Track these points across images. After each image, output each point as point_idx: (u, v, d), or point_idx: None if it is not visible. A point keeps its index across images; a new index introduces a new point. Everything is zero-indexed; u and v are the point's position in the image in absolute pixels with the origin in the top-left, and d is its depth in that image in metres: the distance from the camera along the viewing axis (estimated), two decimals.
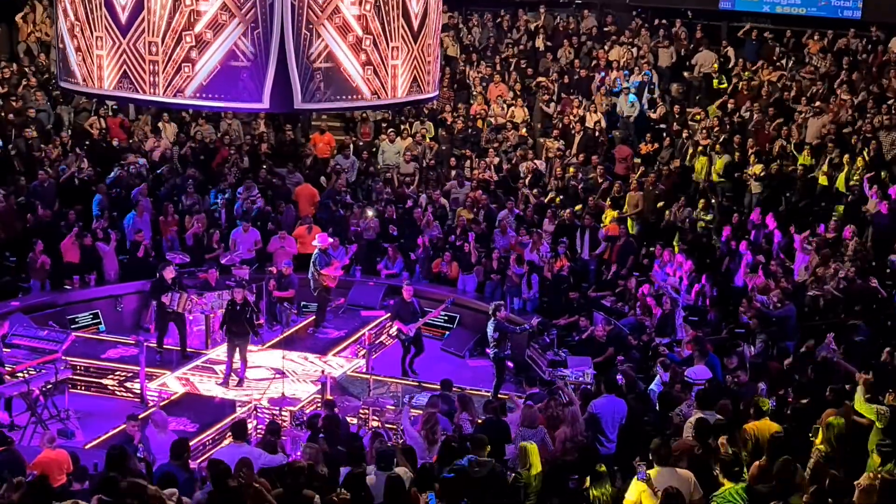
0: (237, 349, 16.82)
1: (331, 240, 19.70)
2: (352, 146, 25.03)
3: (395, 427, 14.95)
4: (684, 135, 23.88)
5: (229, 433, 13.23)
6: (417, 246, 21.14)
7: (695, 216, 20.67)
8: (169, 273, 18.09)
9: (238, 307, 16.76)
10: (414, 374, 18.13)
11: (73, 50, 14.74)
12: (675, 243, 20.00)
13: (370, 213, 21.88)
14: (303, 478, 9.88)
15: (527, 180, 23.46)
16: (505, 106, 26.02)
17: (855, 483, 8.95)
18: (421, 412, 13.59)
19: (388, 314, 19.08)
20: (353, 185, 23.67)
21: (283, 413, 15.81)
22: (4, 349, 16.19)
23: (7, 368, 16.00)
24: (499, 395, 16.49)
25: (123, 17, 14.07)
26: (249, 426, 15.72)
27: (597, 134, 24.86)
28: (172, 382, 16.94)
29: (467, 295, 20.20)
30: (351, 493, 9.55)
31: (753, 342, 15.94)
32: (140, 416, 14.06)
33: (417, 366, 18.40)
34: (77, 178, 22.31)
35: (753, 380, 13.80)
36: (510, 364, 17.74)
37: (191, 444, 13.71)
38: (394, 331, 18.68)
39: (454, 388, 15.02)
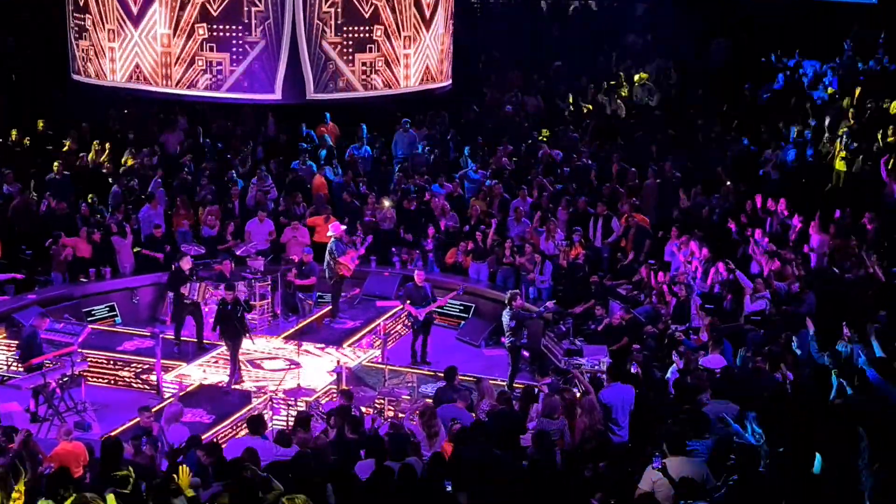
0: (230, 350, 16.57)
1: (344, 227, 19.71)
2: (365, 136, 24.99)
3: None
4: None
5: (245, 425, 13.24)
6: (427, 236, 21.11)
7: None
8: (186, 263, 18.11)
9: (229, 307, 16.47)
10: (426, 363, 18.13)
11: (85, 43, 14.77)
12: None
13: (386, 203, 21.85)
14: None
15: (542, 168, 23.40)
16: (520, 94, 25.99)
17: None
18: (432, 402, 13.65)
19: (400, 298, 19.01)
20: (367, 175, 23.64)
21: (299, 404, 15.82)
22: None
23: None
24: (513, 385, 16.50)
25: (135, 9, 14.11)
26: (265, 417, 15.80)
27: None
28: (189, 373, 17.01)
29: (481, 284, 20.15)
30: (378, 486, 9.58)
31: (767, 330, 15.81)
32: (154, 409, 14.12)
33: (433, 356, 18.40)
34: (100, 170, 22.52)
35: (771, 369, 13.69)
36: (525, 353, 17.70)
37: (207, 435, 13.85)
38: (404, 314, 18.64)
39: (467, 377, 15.01)
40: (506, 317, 17.04)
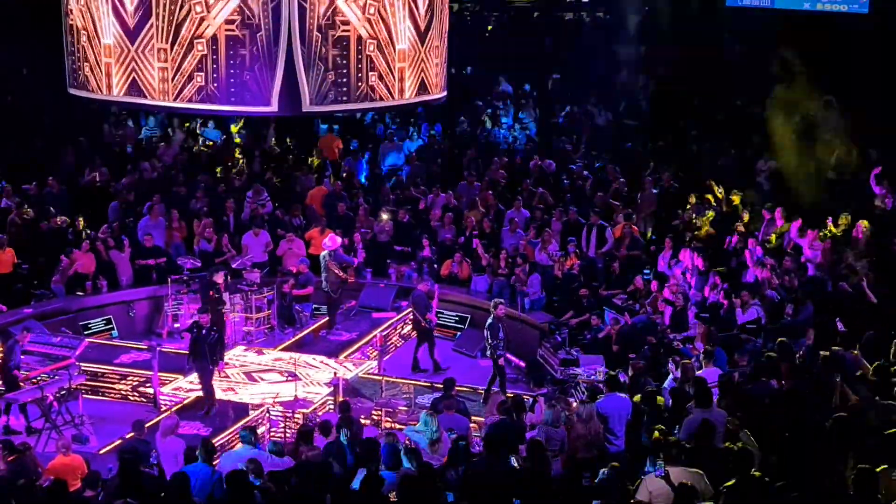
0: (203, 374, 16.15)
1: (340, 240, 19.78)
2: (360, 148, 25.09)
3: (404, 428, 14.97)
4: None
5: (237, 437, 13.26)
6: (423, 247, 21.18)
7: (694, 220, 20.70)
8: (219, 278, 18.15)
9: (203, 331, 16.02)
10: (442, 370, 18.34)
11: (82, 57, 14.82)
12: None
13: (384, 216, 21.92)
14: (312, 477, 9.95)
15: (535, 179, 23.52)
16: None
17: None
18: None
19: (417, 309, 18.80)
20: (362, 188, 23.70)
21: (297, 416, 15.85)
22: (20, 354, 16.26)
23: (22, 374, 16.12)
24: (506, 393, 16.60)
25: (131, 24, 14.16)
26: (261, 430, 15.82)
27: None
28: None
29: (479, 296, 20.20)
30: (367, 493, 9.61)
31: (764, 338, 15.88)
32: (148, 424, 14.14)
33: (427, 366, 18.62)
34: (98, 184, 22.58)
35: (766, 377, 13.73)
36: (522, 363, 17.75)
37: None
38: (424, 323, 18.66)
39: (463, 388, 15.08)
40: (486, 332, 17.16)
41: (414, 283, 20.66)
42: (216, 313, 17.78)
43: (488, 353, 17.18)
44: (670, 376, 14.42)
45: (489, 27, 30.67)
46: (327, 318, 19.66)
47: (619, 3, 28.93)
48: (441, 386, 14.99)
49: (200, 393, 16.44)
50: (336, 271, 19.20)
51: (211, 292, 18.01)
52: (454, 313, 20.09)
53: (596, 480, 10.17)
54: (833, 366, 12.69)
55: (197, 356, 16.10)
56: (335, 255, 19.32)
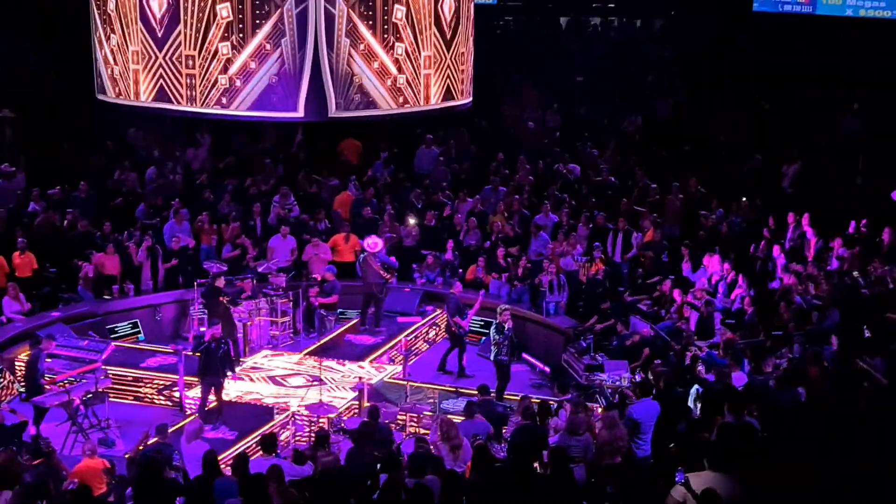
0: (212, 388, 16.05)
1: (381, 242, 19.91)
2: (387, 152, 25.08)
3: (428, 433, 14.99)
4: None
5: (258, 446, 13.25)
6: (446, 250, 21.23)
7: None
8: (220, 282, 18.24)
9: (213, 344, 15.97)
10: (467, 377, 18.35)
11: (110, 63, 14.92)
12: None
13: (411, 220, 21.97)
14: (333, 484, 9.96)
15: (560, 184, 23.49)
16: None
17: None
18: (461, 418, 13.68)
19: (448, 313, 19.06)
20: (388, 191, 23.73)
21: (321, 420, 15.87)
22: (46, 359, 16.37)
23: (48, 379, 16.24)
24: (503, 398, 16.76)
25: (159, 31, 14.24)
26: (287, 433, 15.87)
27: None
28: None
29: (501, 300, 20.18)
30: (389, 500, 9.61)
31: (791, 346, 15.79)
32: (172, 427, 14.20)
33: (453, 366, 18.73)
34: (124, 189, 22.75)
35: (792, 384, 13.65)
36: (547, 368, 17.73)
37: (228, 453, 13.93)
38: (454, 328, 18.80)
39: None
40: (492, 330, 17.42)
41: (437, 286, 20.76)
42: (227, 317, 17.88)
43: (491, 357, 17.41)
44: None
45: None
46: (359, 319, 19.98)
47: (646, 7, 28.92)
48: (466, 391, 15.03)
49: (224, 398, 16.48)
50: (380, 272, 19.41)
51: (221, 298, 18.04)
52: (479, 318, 20.08)
53: None
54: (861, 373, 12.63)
55: (206, 371, 16.04)
56: (377, 256, 19.46)
